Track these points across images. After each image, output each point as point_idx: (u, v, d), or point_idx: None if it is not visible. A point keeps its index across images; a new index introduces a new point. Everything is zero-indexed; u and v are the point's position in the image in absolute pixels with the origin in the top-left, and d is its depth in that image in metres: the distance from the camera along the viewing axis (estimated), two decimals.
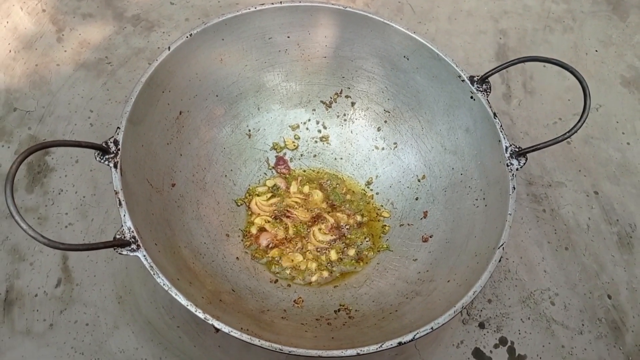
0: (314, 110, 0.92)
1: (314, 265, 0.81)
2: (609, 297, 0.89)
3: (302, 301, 0.77)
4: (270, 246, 0.82)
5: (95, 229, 0.87)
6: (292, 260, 0.82)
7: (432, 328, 0.62)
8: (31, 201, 0.88)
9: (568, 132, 0.71)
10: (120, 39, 1.01)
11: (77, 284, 0.84)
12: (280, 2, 0.80)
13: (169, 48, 0.75)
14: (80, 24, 0.98)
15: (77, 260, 0.85)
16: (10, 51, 0.95)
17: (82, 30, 0.98)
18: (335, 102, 0.92)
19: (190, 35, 0.76)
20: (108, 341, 0.80)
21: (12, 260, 0.85)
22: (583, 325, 0.87)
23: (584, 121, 0.71)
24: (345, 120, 0.92)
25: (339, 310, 0.75)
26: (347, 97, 0.91)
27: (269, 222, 0.84)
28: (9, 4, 0.98)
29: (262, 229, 0.83)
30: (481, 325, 0.85)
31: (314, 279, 0.81)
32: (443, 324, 0.63)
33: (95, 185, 0.90)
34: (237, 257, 0.80)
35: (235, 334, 0.61)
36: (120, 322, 0.81)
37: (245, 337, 0.61)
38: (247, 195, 0.86)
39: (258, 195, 0.86)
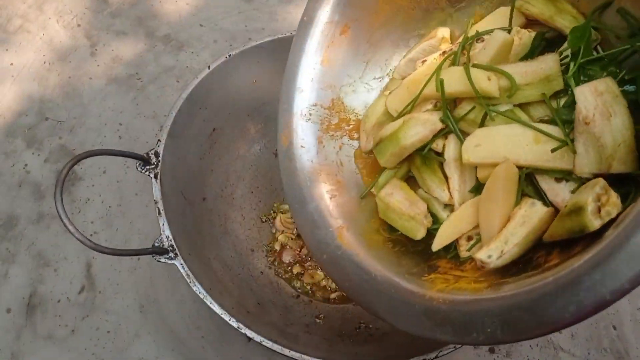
0: None
1: (334, 283, 0.84)
2: (614, 327, 0.92)
3: (323, 317, 0.79)
4: (292, 262, 0.85)
5: (120, 238, 0.89)
6: (313, 277, 0.84)
7: (455, 347, 0.65)
8: None
9: None
10: (150, 57, 1.05)
11: (100, 291, 0.85)
12: None
13: (209, 67, 0.78)
14: (114, 40, 1.02)
15: (101, 268, 0.87)
16: (45, 62, 0.98)
17: (115, 47, 1.01)
18: None
19: (229, 56, 0.80)
20: (129, 349, 0.82)
21: (37, 266, 0.87)
22: (589, 353, 0.89)
23: None
24: None
25: (359, 327, 0.78)
26: None
27: (292, 239, 0.87)
28: (45, 17, 1.01)
29: (285, 246, 0.86)
30: (491, 350, 0.88)
31: (333, 296, 0.83)
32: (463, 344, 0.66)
33: (122, 196, 0.92)
34: (261, 272, 0.82)
35: (267, 343, 0.63)
36: (141, 330, 0.83)
37: (276, 347, 0.63)
38: (272, 212, 0.89)
39: (282, 213, 0.89)
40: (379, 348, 0.72)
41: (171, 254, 0.66)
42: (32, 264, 0.87)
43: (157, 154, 0.70)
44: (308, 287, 0.83)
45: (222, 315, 0.63)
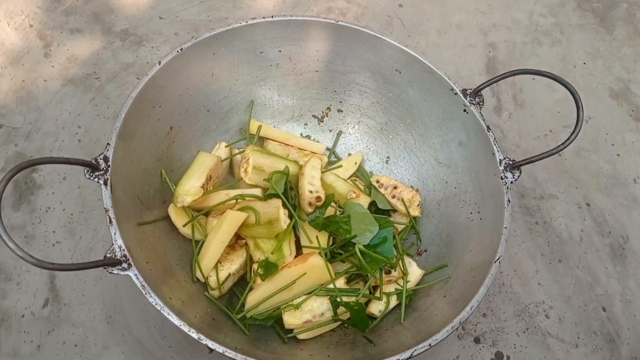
0: (306, 124, 0.91)
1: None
2: (604, 309, 0.89)
3: None
4: None
5: (84, 247, 0.85)
6: None
7: (430, 345, 0.61)
8: (18, 219, 0.86)
9: (562, 144, 0.71)
10: (108, 54, 1.00)
11: (65, 303, 0.82)
12: (272, 16, 0.80)
13: (160, 63, 0.74)
14: (68, 39, 0.97)
15: (65, 279, 0.83)
16: None
17: (70, 45, 0.97)
18: (327, 116, 0.91)
19: (181, 49, 0.75)
20: None
21: None
22: (578, 338, 0.86)
23: (578, 133, 0.71)
24: (337, 134, 0.92)
25: (330, 332, 0.74)
26: (339, 111, 0.91)
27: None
28: None
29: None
30: (477, 340, 0.84)
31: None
32: (441, 340, 0.62)
33: (84, 202, 0.88)
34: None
35: (230, 353, 0.59)
36: (109, 342, 0.79)
37: (239, 357, 0.59)
38: None
39: None
40: (352, 348, 0.69)
41: (124, 265, 0.62)
42: None
43: (106, 159, 0.66)
44: None
45: (181, 327, 0.60)
